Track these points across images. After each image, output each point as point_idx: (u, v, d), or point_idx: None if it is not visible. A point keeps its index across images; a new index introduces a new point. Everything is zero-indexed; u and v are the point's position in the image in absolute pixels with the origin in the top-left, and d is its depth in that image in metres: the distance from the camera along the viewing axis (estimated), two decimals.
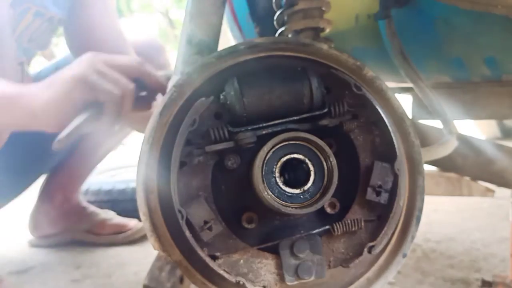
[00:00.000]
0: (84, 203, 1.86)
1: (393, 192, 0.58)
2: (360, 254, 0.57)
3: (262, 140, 0.56)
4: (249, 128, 0.57)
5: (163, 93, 1.04)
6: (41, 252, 1.75)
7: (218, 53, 0.60)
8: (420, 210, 0.62)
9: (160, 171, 0.58)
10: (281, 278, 0.56)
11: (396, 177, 0.58)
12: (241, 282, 0.54)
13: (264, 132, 0.57)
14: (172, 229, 0.57)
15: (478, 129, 4.14)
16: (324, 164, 0.56)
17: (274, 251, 0.57)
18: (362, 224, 0.58)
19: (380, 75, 0.63)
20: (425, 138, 1.28)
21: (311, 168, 0.56)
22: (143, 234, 1.76)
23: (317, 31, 0.77)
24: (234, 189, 0.60)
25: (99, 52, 1.07)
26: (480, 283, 1.01)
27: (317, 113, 0.58)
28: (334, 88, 0.60)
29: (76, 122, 0.96)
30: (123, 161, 2.59)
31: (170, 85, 0.85)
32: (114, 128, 1.10)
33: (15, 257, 1.71)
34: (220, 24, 0.85)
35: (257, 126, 0.57)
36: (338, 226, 0.58)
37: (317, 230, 0.58)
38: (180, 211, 0.54)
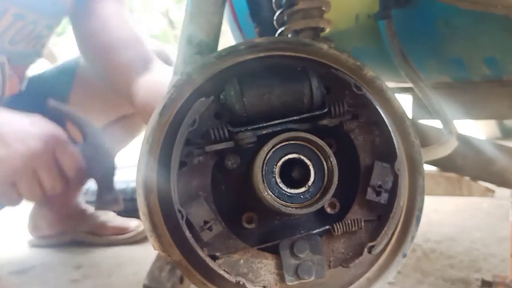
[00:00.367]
0: (83, 206, 1.85)
1: (393, 192, 0.58)
2: (360, 254, 0.57)
3: (262, 140, 0.56)
4: (249, 128, 0.57)
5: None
6: (41, 252, 1.75)
7: (218, 53, 0.60)
8: (420, 210, 0.62)
9: (160, 171, 0.58)
10: (281, 278, 0.56)
11: (396, 177, 0.58)
12: (241, 282, 0.54)
13: (264, 132, 0.57)
14: (172, 229, 0.57)
15: (478, 129, 4.14)
16: (324, 164, 0.56)
17: (274, 251, 0.57)
18: (362, 224, 0.58)
19: (380, 75, 0.63)
20: (425, 138, 1.28)
21: (311, 168, 0.56)
22: (144, 235, 1.76)
23: (317, 31, 0.77)
24: (234, 189, 0.60)
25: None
26: (480, 283, 1.01)
27: (317, 113, 0.58)
28: (334, 88, 0.60)
29: None
30: (123, 161, 2.59)
31: (170, 85, 0.85)
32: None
33: (15, 257, 1.71)
34: (220, 24, 0.85)
35: (257, 126, 0.57)
36: (338, 226, 0.58)
37: (317, 230, 0.58)
38: (180, 211, 0.54)
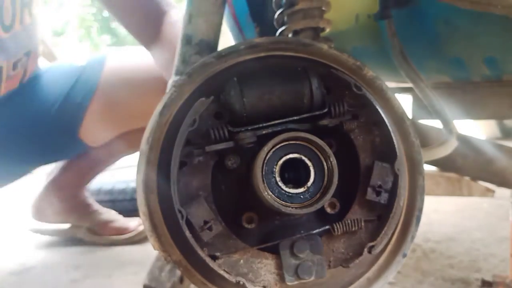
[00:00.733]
0: (89, 201, 1.86)
1: (393, 192, 0.58)
2: (360, 254, 0.57)
3: (262, 140, 0.56)
4: (249, 128, 0.57)
5: None
6: (41, 252, 1.76)
7: (218, 53, 0.60)
8: (420, 210, 0.62)
9: (160, 171, 0.58)
10: (281, 278, 0.56)
11: (396, 177, 0.58)
12: (241, 282, 0.54)
13: (264, 132, 0.57)
14: (172, 229, 0.57)
15: (478, 129, 4.14)
16: (324, 164, 0.56)
17: (274, 251, 0.57)
18: (362, 224, 0.58)
19: (380, 75, 0.63)
20: (425, 138, 1.28)
21: (311, 168, 0.56)
22: (144, 235, 1.76)
23: (317, 31, 0.77)
24: (234, 189, 0.60)
25: None
26: (480, 283, 1.01)
27: (317, 113, 0.58)
28: (334, 88, 0.60)
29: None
30: (123, 161, 2.59)
31: (170, 85, 0.85)
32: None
33: (15, 257, 1.71)
34: (220, 24, 0.85)
35: (257, 126, 0.57)
36: (338, 226, 0.58)
37: (317, 230, 0.58)
38: (180, 211, 0.54)
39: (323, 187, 0.56)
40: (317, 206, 0.55)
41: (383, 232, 0.57)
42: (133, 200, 2.01)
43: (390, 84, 1.27)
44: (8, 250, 1.80)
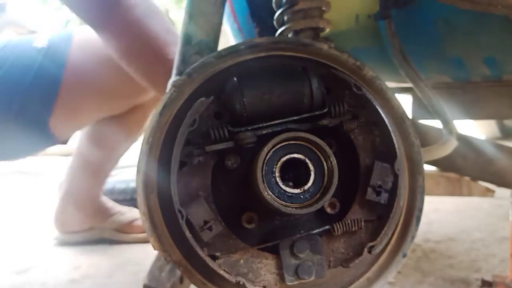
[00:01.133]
0: (109, 204, 1.86)
1: (393, 192, 0.58)
2: (360, 254, 0.57)
3: (262, 140, 0.56)
4: (249, 128, 0.57)
5: None
6: (41, 252, 1.75)
7: (218, 53, 0.60)
8: (420, 210, 0.62)
9: (160, 171, 0.58)
10: (281, 278, 0.56)
11: (396, 177, 0.58)
12: (241, 282, 0.54)
13: (264, 132, 0.57)
14: (172, 229, 0.57)
15: (478, 129, 4.14)
16: (324, 164, 0.56)
17: (274, 251, 0.57)
18: (362, 224, 0.58)
19: (380, 75, 0.63)
20: (425, 138, 1.28)
21: (311, 168, 0.56)
22: None
23: (317, 31, 0.77)
24: (234, 189, 0.60)
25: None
26: (480, 283, 1.01)
27: (317, 113, 0.58)
28: (334, 88, 0.60)
29: None
30: (123, 161, 2.59)
31: (170, 85, 0.85)
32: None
33: (15, 257, 1.71)
34: (220, 24, 0.85)
35: (257, 126, 0.57)
36: (338, 226, 0.58)
37: (317, 230, 0.58)
38: (180, 211, 0.54)
39: (323, 187, 0.56)
40: (317, 206, 0.55)
41: (383, 232, 0.57)
42: (133, 200, 2.02)
43: (390, 84, 1.27)
44: (9, 250, 1.80)
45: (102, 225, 1.81)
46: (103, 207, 1.83)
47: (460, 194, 1.50)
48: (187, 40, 0.83)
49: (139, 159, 0.58)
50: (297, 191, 0.55)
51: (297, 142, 0.56)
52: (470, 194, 1.49)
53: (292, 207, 0.55)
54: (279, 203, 0.54)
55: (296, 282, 0.56)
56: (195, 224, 0.54)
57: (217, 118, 0.58)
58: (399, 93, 1.35)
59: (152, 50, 1.15)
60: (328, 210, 0.60)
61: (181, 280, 0.90)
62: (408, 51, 0.98)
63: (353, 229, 0.58)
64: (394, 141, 0.58)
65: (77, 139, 1.81)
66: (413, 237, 0.62)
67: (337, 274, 0.59)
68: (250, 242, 0.58)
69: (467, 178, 1.47)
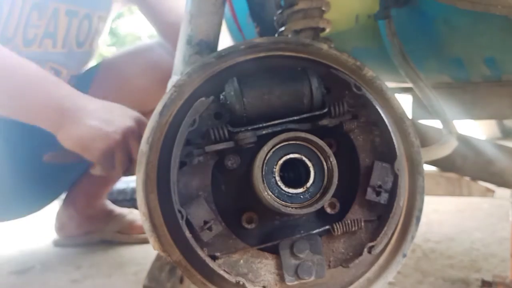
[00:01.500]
0: (110, 206, 1.86)
1: (393, 192, 0.58)
2: (360, 254, 0.57)
3: (262, 140, 0.56)
4: (249, 128, 0.57)
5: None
6: (41, 252, 1.75)
7: (218, 53, 0.60)
8: (420, 210, 0.62)
9: (160, 171, 0.58)
10: (281, 278, 0.56)
11: (396, 177, 0.58)
12: (241, 282, 0.54)
13: (264, 132, 0.57)
14: (172, 229, 0.57)
15: (478, 129, 4.14)
16: (324, 164, 0.56)
17: (274, 251, 0.57)
18: (362, 224, 0.58)
19: (380, 75, 0.63)
20: (425, 138, 1.28)
21: (311, 168, 0.56)
22: None
23: (317, 31, 0.77)
24: (234, 189, 0.60)
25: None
26: (480, 283, 1.01)
27: (317, 113, 0.58)
28: (334, 88, 0.60)
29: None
30: None
31: (170, 85, 0.85)
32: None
33: (15, 257, 1.71)
34: (220, 24, 0.85)
35: (257, 126, 0.57)
36: (338, 226, 0.58)
37: (317, 230, 0.58)
38: (180, 211, 0.54)
39: (323, 187, 0.56)
40: (317, 206, 0.55)
41: (383, 232, 0.57)
42: (133, 200, 2.02)
43: (390, 84, 1.28)
44: (9, 250, 1.80)
45: (102, 229, 1.81)
46: (103, 212, 1.83)
47: (460, 194, 1.50)
48: (187, 40, 0.83)
49: (139, 159, 0.58)
50: (297, 191, 0.55)
51: (297, 142, 0.56)
52: (470, 194, 1.49)
53: (292, 207, 0.55)
54: (279, 203, 0.54)
55: (296, 282, 0.56)
56: (195, 224, 0.54)
57: (217, 118, 0.58)
58: (399, 93, 1.35)
59: None
60: (328, 210, 0.60)
61: (181, 280, 0.90)
62: (408, 51, 0.98)
63: (353, 229, 0.58)
64: (394, 141, 0.58)
65: None
66: (413, 237, 0.62)
67: (337, 274, 0.59)
68: (250, 242, 0.58)
69: (467, 178, 1.47)
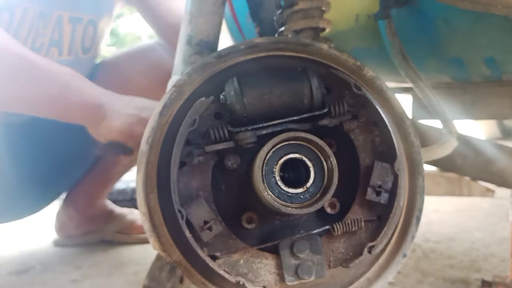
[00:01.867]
0: (110, 206, 1.86)
1: (393, 192, 0.58)
2: (360, 254, 0.57)
3: (262, 140, 0.56)
4: (249, 128, 0.57)
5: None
6: (41, 252, 1.75)
7: (218, 53, 0.60)
8: (420, 210, 0.62)
9: (160, 171, 0.58)
10: (281, 278, 0.56)
11: (396, 177, 0.58)
12: (241, 282, 0.54)
13: (264, 132, 0.57)
14: (172, 229, 0.57)
15: (478, 129, 4.14)
16: (324, 164, 0.56)
17: (274, 251, 0.57)
18: (362, 224, 0.58)
19: (380, 75, 0.63)
20: (425, 138, 1.28)
21: (311, 168, 0.56)
22: None
23: (317, 31, 0.77)
24: (234, 189, 0.60)
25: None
26: (480, 283, 1.00)
27: (317, 113, 0.58)
28: (334, 88, 0.60)
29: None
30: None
31: (170, 85, 0.85)
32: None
33: (15, 257, 1.71)
34: (220, 24, 0.85)
35: (257, 126, 0.57)
36: (338, 226, 0.58)
37: (317, 230, 0.58)
38: (180, 211, 0.54)
39: (323, 187, 0.56)
40: (317, 206, 0.55)
41: (383, 232, 0.57)
42: (133, 200, 2.02)
43: (390, 84, 1.28)
44: (9, 250, 1.80)
45: (102, 229, 1.81)
46: (104, 212, 1.83)
47: (460, 194, 1.50)
48: (187, 40, 0.83)
49: (139, 159, 0.58)
50: (297, 191, 0.55)
51: (297, 142, 0.56)
52: (470, 194, 1.49)
53: (292, 207, 0.55)
54: (279, 203, 0.54)
55: (296, 282, 0.56)
56: (195, 224, 0.54)
57: (217, 118, 0.58)
58: (399, 93, 1.35)
59: None
60: (328, 210, 0.60)
61: (181, 280, 0.90)
62: (408, 51, 0.98)
63: (353, 229, 0.58)
64: (394, 141, 0.58)
65: None
66: (413, 237, 0.62)
67: (337, 274, 0.59)
68: (250, 242, 0.58)
69: (467, 178, 1.47)
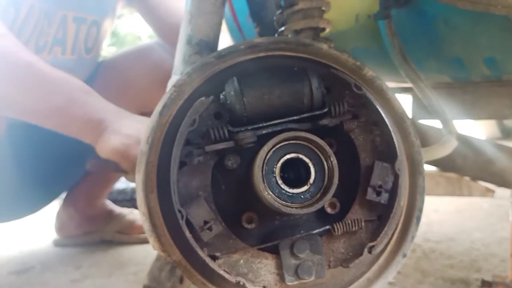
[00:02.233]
0: (110, 206, 1.86)
1: (393, 192, 0.58)
2: (360, 254, 0.57)
3: (262, 140, 0.56)
4: (249, 128, 0.57)
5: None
6: (41, 252, 1.75)
7: (218, 53, 0.60)
8: (420, 210, 0.62)
9: (160, 171, 0.58)
10: (281, 278, 0.56)
11: (396, 177, 0.58)
12: (241, 282, 0.54)
13: (264, 132, 0.57)
14: (172, 229, 0.57)
15: (478, 129, 4.14)
16: (325, 163, 0.56)
17: (274, 251, 0.57)
18: (363, 224, 0.58)
19: (380, 75, 0.63)
20: (425, 138, 1.28)
21: (312, 167, 0.56)
22: None
23: (317, 31, 0.77)
24: (234, 189, 0.60)
25: None
26: (480, 283, 1.00)
27: (317, 113, 0.58)
28: (334, 88, 0.60)
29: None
30: None
31: (170, 85, 0.85)
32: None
33: (15, 257, 1.71)
34: (220, 24, 0.85)
35: (257, 126, 0.57)
36: (338, 226, 0.58)
37: (317, 230, 0.58)
38: (180, 211, 0.54)
39: (324, 187, 0.56)
40: (318, 206, 0.55)
41: (383, 232, 0.57)
42: (133, 200, 2.02)
43: (390, 84, 1.27)
44: (9, 250, 1.80)
45: (102, 228, 1.81)
46: (104, 211, 1.83)
47: (460, 194, 1.50)
48: (187, 40, 0.83)
49: (139, 159, 0.58)
50: (297, 191, 0.55)
51: (297, 142, 0.56)
52: (470, 194, 1.49)
53: (292, 207, 0.54)
54: (279, 203, 0.54)
55: (296, 282, 0.56)
56: (195, 224, 0.54)
57: (217, 118, 0.58)
58: (399, 93, 1.35)
59: None
60: (328, 210, 0.60)
61: (181, 280, 0.90)
62: (408, 51, 0.98)
63: (353, 229, 0.58)
64: (395, 141, 0.58)
65: None
66: (413, 237, 0.62)
67: (337, 274, 0.59)
68: (250, 242, 0.58)
69: (467, 178, 1.47)
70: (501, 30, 0.87)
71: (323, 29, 0.78)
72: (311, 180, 0.55)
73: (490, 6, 0.62)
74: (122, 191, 2.05)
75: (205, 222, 0.55)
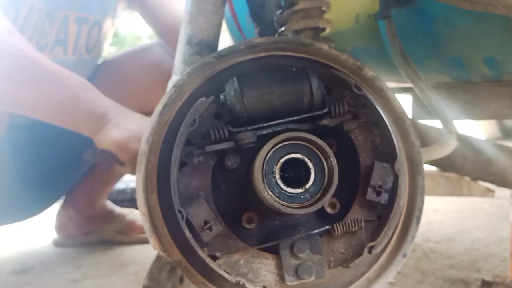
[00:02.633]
0: (110, 206, 1.86)
1: (393, 192, 0.58)
2: (360, 254, 0.57)
3: (262, 140, 0.56)
4: (249, 128, 0.57)
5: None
6: (41, 252, 1.75)
7: (218, 53, 0.60)
8: (420, 210, 0.62)
9: (160, 171, 0.58)
10: (281, 278, 0.56)
11: (396, 177, 0.58)
12: (241, 282, 0.54)
13: (264, 132, 0.57)
14: (172, 229, 0.57)
15: (478, 129, 4.14)
16: (325, 164, 0.56)
17: (274, 251, 0.57)
18: (363, 224, 0.58)
19: (380, 75, 0.63)
20: (425, 138, 1.28)
21: (312, 168, 0.56)
22: None
23: (317, 31, 0.77)
24: (234, 189, 0.60)
25: None
26: (480, 283, 1.01)
27: (317, 113, 0.58)
28: (334, 88, 0.60)
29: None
30: None
31: (170, 85, 0.85)
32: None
33: (15, 257, 1.71)
34: (220, 24, 0.85)
35: (257, 126, 0.57)
36: (338, 226, 0.58)
37: (317, 230, 0.58)
38: (180, 211, 0.54)
39: (323, 187, 0.56)
40: (317, 206, 0.55)
41: (383, 232, 0.57)
42: (133, 200, 2.02)
43: (390, 84, 1.28)
44: (9, 250, 1.80)
45: (102, 229, 1.81)
46: (103, 212, 1.83)
47: (460, 194, 1.49)
48: (187, 40, 0.83)
49: (139, 159, 0.58)
50: (297, 191, 0.55)
51: (297, 142, 0.56)
52: (470, 194, 1.49)
53: (292, 207, 0.54)
54: (279, 203, 0.54)
55: (296, 282, 0.56)
56: (195, 224, 0.54)
57: (217, 118, 0.58)
58: (399, 93, 1.35)
59: None
60: (328, 210, 0.60)
61: (181, 280, 0.90)
62: (408, 51, 0.98)
63: (353, 229, 0.58)
64: (394, 141, 0.58)
65: None
66: (413, 237, 0.62)
67: (337, 274, 0.59)
68: (250, 242, 0.58)
69: (467, 178, 1.47)
70: (501, 30, 0.87)
71: (323, 29, 0.78)
72: (311, 180, 0.55)
73: (490, 6, 0.62)
74: (122, 191, 2.05)
75: (205, 222, 0.55)
